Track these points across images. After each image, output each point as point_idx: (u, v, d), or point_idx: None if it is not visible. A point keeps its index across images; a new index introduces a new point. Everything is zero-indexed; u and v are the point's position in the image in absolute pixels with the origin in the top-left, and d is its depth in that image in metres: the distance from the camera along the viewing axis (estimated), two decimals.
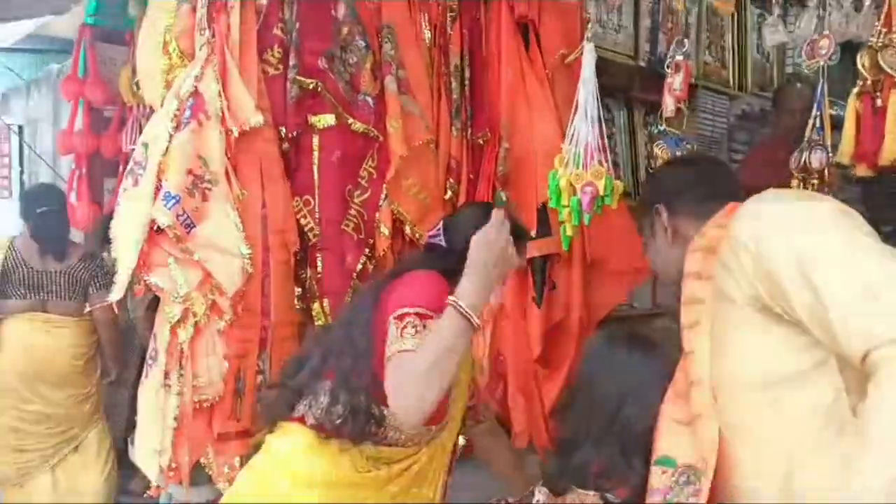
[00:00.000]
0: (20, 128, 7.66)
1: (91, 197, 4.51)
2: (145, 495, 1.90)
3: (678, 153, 1.80)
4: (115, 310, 2.50)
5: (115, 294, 1.89)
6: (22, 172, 7.98)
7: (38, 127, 7.33)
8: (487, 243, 1.35)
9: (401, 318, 1.37)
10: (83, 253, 3.47)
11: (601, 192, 1.94)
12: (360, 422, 1.38)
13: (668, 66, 1.72)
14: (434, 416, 1.36)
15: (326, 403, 1.40)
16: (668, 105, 1.75)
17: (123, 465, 3.62)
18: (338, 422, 1.38)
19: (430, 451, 1.53)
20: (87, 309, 3.24)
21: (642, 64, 3.47)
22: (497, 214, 1.37)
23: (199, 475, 2.06)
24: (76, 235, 4.12)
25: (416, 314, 1.37)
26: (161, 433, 1.96)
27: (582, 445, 1.36)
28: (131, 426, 3.60)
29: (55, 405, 3.17)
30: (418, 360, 1.29)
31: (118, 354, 3.39)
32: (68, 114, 4.68)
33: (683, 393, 1.22)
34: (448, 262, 1.50)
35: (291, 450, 1.44)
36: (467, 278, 1.33)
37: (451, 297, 1.31)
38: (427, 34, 2.56)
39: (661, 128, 2.00)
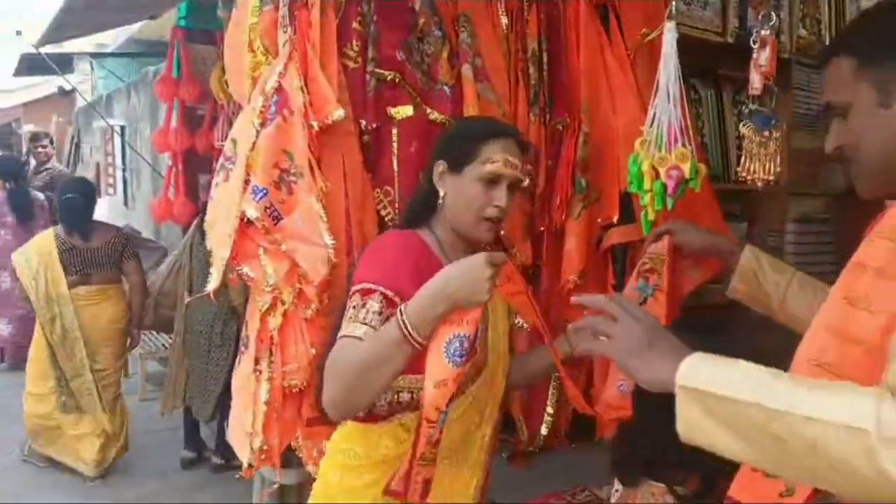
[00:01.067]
0: (122, 128, 8.15)
1: (187, 192, 4.75)
2: (238, 476, 1.98)
3: (766, 132, 1.72)
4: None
5: (212, 284, 1.99)
6: (125, 170, 8.49)
7: (137, 127, 7.79)
8: (460, 267, 1.20)
9: (350, 296, 1.31)
10: (115, 231, 4.33)
11: (687, 176, 1.88)
12: (380, 399, 1.35)
13: (753, 42, 1.64)
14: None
15: None
16: (755, 83, 1.67)
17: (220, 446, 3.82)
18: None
19: (463, 405, 1.39)
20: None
21: (730, 40, 3.32)
22: (482, 258, 1.19)
23: (289, 458, 2.15)
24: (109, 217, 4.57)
25: (358, 291, 1.30)
26: (252, 417, 2.05)
27: (650, 435, 1.31)
28: (222, 407, 3.83)
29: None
30: (349, 357, 1.21)
31: (141, 318, 4.32)
32: (164, 114, 4.94)
33: None
34: (419, 205, 1.46)
35: (333, 444, 1.48)
36: (420, 293, 1.20)
37: (400, 307, 1.20)
38: (504, 20, 2.54)
39: (752, 107, 1.90)
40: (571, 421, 2.76)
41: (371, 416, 1.40)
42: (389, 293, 1.28)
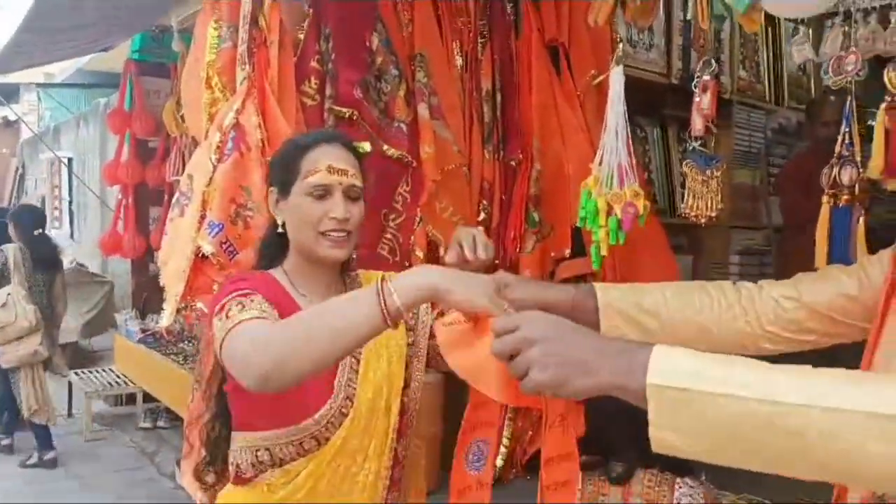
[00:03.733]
0: (70, 160, 7.97)
1: (136, 226, 4.67)
2: None
3: (708, 171, 1.80)
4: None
5: (165, 321, 1.97)
6: (71, 203, 8.29)
7: (86, 159, 7.64)
8: (460, 273, 1.04)
9: (216, 313, 1.12)
10: None
11: (640, 212, 1.94)
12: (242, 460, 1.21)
13: (694, 86, 1.73)
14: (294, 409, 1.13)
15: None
16: (697, 124, 1.76)
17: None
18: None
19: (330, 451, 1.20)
20: None
21: (675, 81, 3.48)
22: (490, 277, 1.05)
23: None
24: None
25: (230, 300, 1.11)
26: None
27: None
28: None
29: None
30: (277, 327, 1.05)
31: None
32: (114, 146, 4.87)
33: None
34: (267, 246, 1.29)
35: None
36: (410, 273, 1.02)
37: (383, 276, 1.01)
38: (459, 60, 2.62)
39: (695, 146, 1.99)
40: (528, 453, 2.79)
41: (237, 477, 1.28)
42: (266, 303, 1.12)
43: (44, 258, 4.43)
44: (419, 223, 2.40)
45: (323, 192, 1.19)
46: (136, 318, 4.73)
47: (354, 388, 1.21)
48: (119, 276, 6.28)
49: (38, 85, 9.23)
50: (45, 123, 9.63)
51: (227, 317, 1.09)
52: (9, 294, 4.10)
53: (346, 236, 1.21)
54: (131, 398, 4.73)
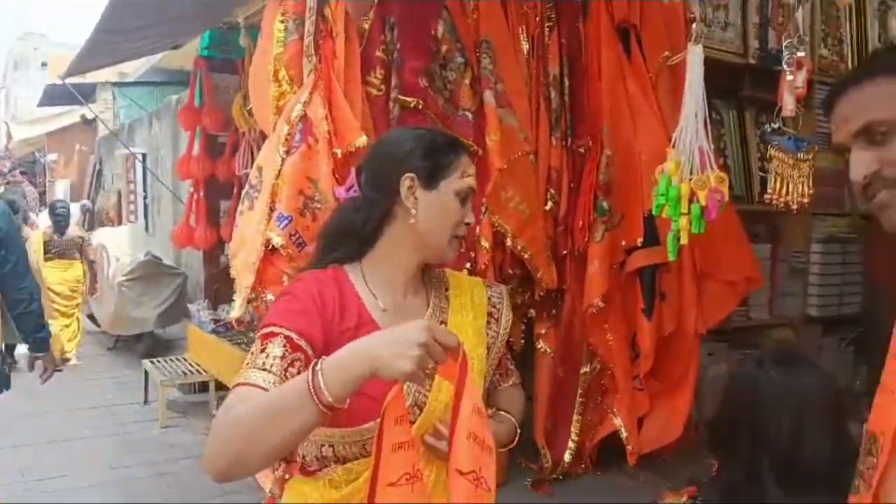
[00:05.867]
0: (143, 156, 8.26)
1: (208, 219, 4.80)
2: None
3: (799, 154, 1.69)
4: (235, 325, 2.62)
5: (236, 311, 1.99)
6: (146, 197, 8.60)
7: (159, 154, 7.89)
8: (395, 328, 0.99)
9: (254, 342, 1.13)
10: None
11: (726, 199, 1.83)
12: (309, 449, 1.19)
13: (786, 63, 1.61)
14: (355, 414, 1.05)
15: None
16: (789, 104, 1.64)
17: None
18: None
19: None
20: None
21: (752, 61, 3.31)
22: (422, 324, 0.97)
23: None
24: None
25: (260, 336, 1.11)
26: None
27: (754, 485, 1.13)
28: None
29: None
30: (244, 406, 1.02)
31: None
32: (186, 141, 5.00)
33: None
34: (351, 237, 1.20)
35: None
36: (344, 347, 0.99)
37: (318, 360, 0.98)
38: (525, 46, 2.56)
39: (776, 126, 1.87)
40: (598, 448, 2.73)
41: (303, 469, 1.25)
42: (294, 336, 1.10)
43: None
44: (485, 213, 2.36)
45: (466, 197, 1.20)
46: (208, 309, 4.86)
47: (425, 397, 1.16)
48: (192, 268, 6.47)
49: (113, 84, 9.60)
50: (119, 121, 10.00)
51: (251, 353, 1.09)
52: None
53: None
54: (204, 386, 4.85)
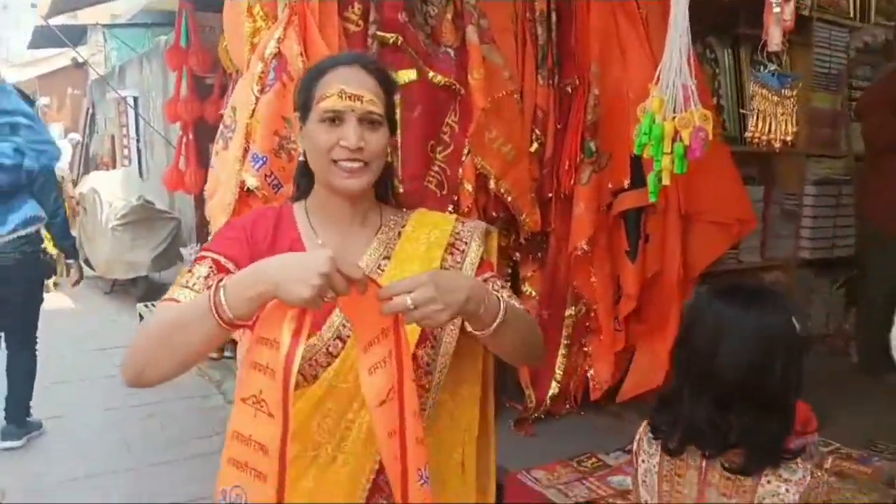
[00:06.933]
0: (135, 99, 8.13)
1: (198, 161, 4.74)
2: None
3: (783, 91, 1.64)
4: None
5: None
6: (139, 141, 8.50)
7: (150, 97, 7.76)
8: (301, 255, 1.04)
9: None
10: None
11: (710, 137, 1.78)
12: None
13: None
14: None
15: None
16: (774, 37, 1.57)
17: None
18: None
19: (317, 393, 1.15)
20: None
21: None
22: (325, 254, 0.95)
23: None
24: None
25: (194, 259, 1.16)
26: None
27: (682, 401, 1.25)
28: None
29: None
30: (157, 317, 1.08)
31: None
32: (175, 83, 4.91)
33: None
34: (299, 175, 1.25)
35: None
36: (247, 267, 1.00)
37: (223, 277, 1.02)
38: None
39: (769, 66, 1.81)
40: (584, 389, 2.75)
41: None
42: (221, 259, 1.12)
43: None
44: (467, 155, 2.31)
45: (334, 118, 1.12)
46: None
47: (348, 330, 1.13)
48: (185, 213, 6.45)
49: (104, 26, 9.38)
50: (111, 63, 9.82)
51: (180, 273, 1.15)
52: None
53: (361, 167, 1.14)
54: None
